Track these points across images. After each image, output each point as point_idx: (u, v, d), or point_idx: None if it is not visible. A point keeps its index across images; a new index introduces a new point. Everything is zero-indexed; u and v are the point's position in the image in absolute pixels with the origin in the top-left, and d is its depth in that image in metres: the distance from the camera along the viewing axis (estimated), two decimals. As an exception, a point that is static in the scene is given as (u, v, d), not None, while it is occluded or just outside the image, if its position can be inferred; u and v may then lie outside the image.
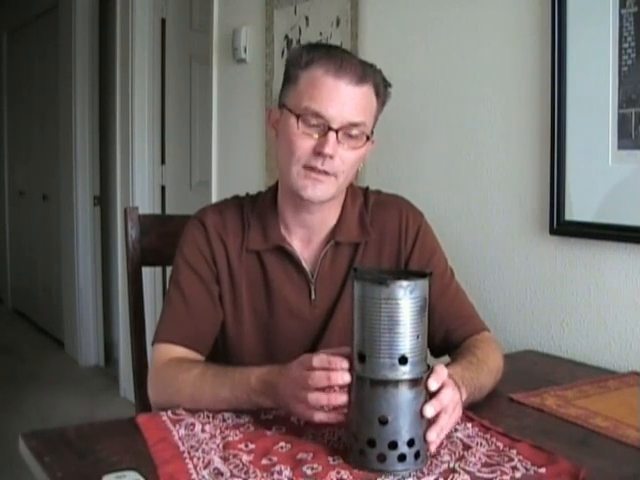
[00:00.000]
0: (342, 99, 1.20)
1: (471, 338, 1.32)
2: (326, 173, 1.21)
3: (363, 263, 1.32)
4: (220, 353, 1.38)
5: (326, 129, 1.20)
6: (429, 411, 0.95)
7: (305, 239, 1.33)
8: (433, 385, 0.96)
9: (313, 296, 1.32)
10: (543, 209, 1.71)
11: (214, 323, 1.32)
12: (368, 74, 1.23)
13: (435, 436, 0.96)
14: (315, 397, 0.98)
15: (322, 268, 1.32)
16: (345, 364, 0.97)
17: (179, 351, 1.27)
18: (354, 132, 1.22)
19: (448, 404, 0.98)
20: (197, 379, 1.17)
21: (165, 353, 1.27)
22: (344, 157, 1.22)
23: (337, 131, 1.20)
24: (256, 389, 1.09)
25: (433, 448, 0.98)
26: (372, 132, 1.27)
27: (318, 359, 0.99)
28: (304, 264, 1.32)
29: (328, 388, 0.98)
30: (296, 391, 1.01)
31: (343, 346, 1.02)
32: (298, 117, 1.21)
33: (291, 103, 1.23)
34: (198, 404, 1.15)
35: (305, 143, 1.21)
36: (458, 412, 1.01)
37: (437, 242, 1.40)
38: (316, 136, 1.20)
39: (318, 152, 1.20)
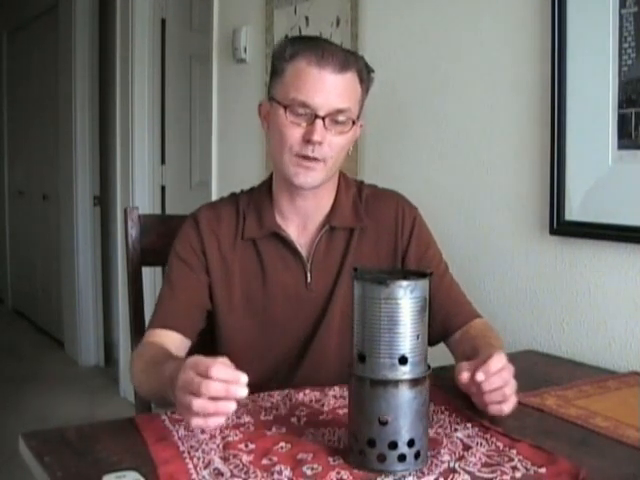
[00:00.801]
0: (327, 87, 1.25)
1: (471, 324, 1.38)
2: (316, 159, 1.26)
3: (359, 249, 1.37)
4: (216, 345, 1.39)
5: (313, 117, 1.25)
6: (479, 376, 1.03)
7: (300, 225, 1.37)
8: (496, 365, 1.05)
9: (309, 279, 1.35)
10: (543, 209, 1.71)
11: (199, 308, 1.35)
12: (350, 61, 1.28)
13: (483, 376, 1.04)
14: (200, 404, 0.93)
15: (317, 252, 1.36)
16: (245, 378, 0.93)
17: (161, 333, 1.30)
18: (340, 118, 1.27)
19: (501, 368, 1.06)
20: (145, 365, 1.20)
21: (147, 337, 1.31)
22: (332, 142, 1.27)
23: (324, 118, 1.24)
24: (166, 384, 1.04)
25: (503, 409, 1.07)
26: (358, 117, 1.32)
27: (216, 369, 0.92)
28: (299, 249, 1.35)
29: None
30: (183, 394, 0.95)
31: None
32: (286, 108, 1.26)
33: (279, 95, 1.28)
34: (144, 390, 1.19)
35: (294, 132, 1.26)
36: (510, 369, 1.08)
37: (431, 234, 1.45)
38: (304, 124, 1.26)
39: (307, 140, 1.25)
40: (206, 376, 0.93)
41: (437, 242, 1.46)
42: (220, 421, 0.95)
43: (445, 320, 1.37)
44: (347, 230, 1.37)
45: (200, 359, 0.97)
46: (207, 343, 1.39)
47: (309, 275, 1.36)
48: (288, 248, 1.35)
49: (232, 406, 0.93)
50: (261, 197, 1.38)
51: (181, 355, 1.29)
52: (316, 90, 1.24)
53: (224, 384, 0.92)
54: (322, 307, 1.36)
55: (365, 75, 1.31)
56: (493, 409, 1.09)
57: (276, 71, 1.30)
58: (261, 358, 1.36)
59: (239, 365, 1.37)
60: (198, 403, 0.93)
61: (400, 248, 1.39)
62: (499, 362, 1.07)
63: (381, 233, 1.39)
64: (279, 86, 1.29)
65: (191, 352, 1.36)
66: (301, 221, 1.37)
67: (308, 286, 1.35)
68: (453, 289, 1.42)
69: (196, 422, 0.95)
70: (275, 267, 1.35)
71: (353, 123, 1.29)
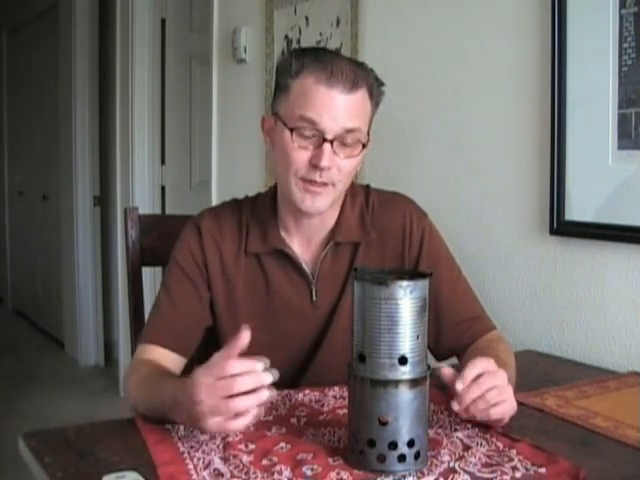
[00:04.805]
0: (335, 108, 1.18)
1: (484, 338, 1.33)
2: (324, 184, 1.21)
3: (364, 263, 1.31)
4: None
5: (321, 140, 1.19)
6: (458, 386, 0.99)
7: (305, 241, 1.33)
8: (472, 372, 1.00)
9: (314, 297, 1.32)
10: (543, 209, 1.71)
11: (199, 326, 1.32)
12: (360, 77, 1.21)
13: (461, 386, 0.99)
14: (244, 402, 0.92)
15: (322, 269, 1.32)
16: (261, 365, 0.93)
17: (158, 351, 1.26)
18: (349, 140, 1.20)
19: (486, 368, 1.02)
20: (141, 383, 1.16)
21: (141, 353, 1.27)
22: (341, 166, 1.21)
23: (332, 141, 1.19)
24: (166, 403, 1.03)
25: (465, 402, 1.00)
26: (368, 133, 1.26)
27: (239, 364, 0.93)
28: (304, 266, 1.32)
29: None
30: (213, 402, 0.93)
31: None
32: (292, 130, 1.20)
33: (284, 113, 1.22)
34: (141, 409, 1.13)
35: (301, 155, 1.20)
36: (502, 374, 1.03)
37: (442, 241, 1.40)
38: (311, 147, 1.20)
39: (314, 165, 1.19)
40: (228, 376, 0.93)
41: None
42: (250, 419, 0.94)
43: (457, 337, 1.33)
44: (352, 245, 1.32)
45: (210, 364, 0.96)
46: (211, 355, 1.38)
47: (314, 292, 1.32)
48: (293, 265, 1.31)
49: (266, 394, 0.93)
50: (265, 209, 1.33)
51: (177, 373, 1.27)
52: (325, 110, 1.17)
53: (253, 374, 0.92)
54: (326, 322, 1.33)
55: (375, 90, 1.24)
56: (480, 417, 1.05)
57: (280, 87, 1.24)
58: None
59: None
60: (241, 402, 0.92)
61: (407, 263, 1.34)
62: (473, 370, 1.01)
63: (388, 247, 1.34)
64: (284, 103, 1.22)
65: (196, 364, 1.35)
66: (305, 237, 1.32)
67: (313, 303, 1.32)
68: (466, 301, 1.36)
69: (235, 424, 0.93)
70: (280, 283, 1.32)
71: (363, 147, 1.23)
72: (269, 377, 0.93)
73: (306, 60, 1.20)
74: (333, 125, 1.18)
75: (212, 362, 0.97)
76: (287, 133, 1.20)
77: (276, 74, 1.28)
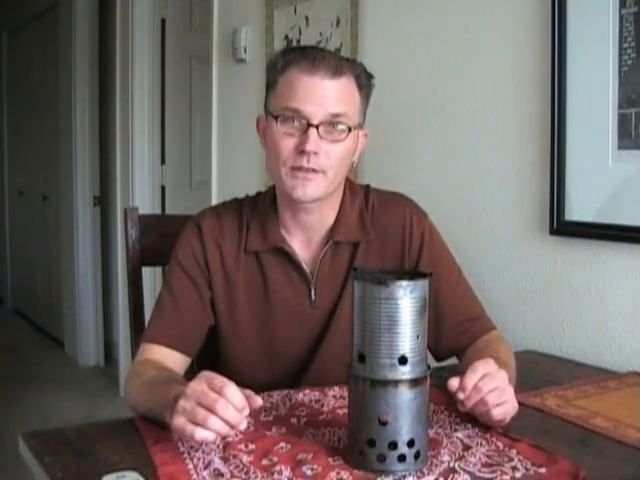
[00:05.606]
0: (319, 93, 1.20)
1: (483, 338, 1.33)
2: (313, 170, 1.21)
3: (364, 263, 1.31)
4: (219, 356, 1.38)
5: (306, 126, 1.20)
6: (453, 382, 1.00)
7: (304, 240, 1.33)
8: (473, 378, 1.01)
9: (313, 297, 1.32)
10: (543, 209, 1.71)
11: (202, 325, 1.32)
12: (345, 66, 1.23)
13: (462, 396, 1.00)
14: (213, 422, 0.93)
15: (322, 268, 1.32)
16: (247, 412, 0.95)
17: (161, 351, 1.26)
18: (335, 125, 1.21)
19: (487, 370, 1.02)
20: (143, 385, 1.15)
21: (145, 352, 1.27)
22: (329, 152, 1.21)
23: (317, 127, 1.20)
24: (169, 404, 1.00)
25: (469, 404, 1.02)
26: (361, 126, 1.28)
27: (232, 392, 0.94)
28: (304, 265, 1.32)
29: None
30: (193, 404, 0.94)
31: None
32: (277, 118, 1.22)
33: (272, 107, 1.25)
34: (139, 410, 1.13)
35: (288, 143, 1.21)
36: (503, 375, 1.03)
37: (442, 242, 1.39)
38: (298, 134, 1.21)
39: (301, 150, 1.20)
40: (219, 394, 0.93)
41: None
42: (210, 438, 0.95)
43: (457, 337, 1.33)
44: (352, 244, 1.32)
45: (216, 375, 0.97)
46: (210, 354, 1.39)
47: (313, 292, 1.32)
48: (292, 263, 1.31)
49: (230, 432, 0.95)
50: (265, 208, 1.33)
51: (181, 373, 1.27)
52: (307, 97, 1.19)
53: (237, 413, 0.93)
54: (326, 322, 1.33)
55: (364, 81, 1.26)
56: (481, 418, 1.06)
57: (269, 84, 1.27)
58: (263, 372, 1.34)
59: (241, 377, 1.37)
60: (211, 420, 0.92)
61: (407, 263, 1.33)
62: (474, 376, 1.01)
63: (387, 247, 1.33)
64: (273, 99, 1.25)
65: (196, 364, 1.35)
66: (305, 236, 1.32)
67: (313, 303, 1.32)
68: (465, 301, 1.36)
69: (204, 434, 0.94)
70: (278, 282, 1.32)
71: (349, 130, 1.23)
72: (244, 424, 0.95)
73: (292, 56, 1.23)
74: (317, 110, 1.20)
75: (219, 376, 0.97)
76: (274, 122, 1.22)
77: (266, 73, 1.30)
